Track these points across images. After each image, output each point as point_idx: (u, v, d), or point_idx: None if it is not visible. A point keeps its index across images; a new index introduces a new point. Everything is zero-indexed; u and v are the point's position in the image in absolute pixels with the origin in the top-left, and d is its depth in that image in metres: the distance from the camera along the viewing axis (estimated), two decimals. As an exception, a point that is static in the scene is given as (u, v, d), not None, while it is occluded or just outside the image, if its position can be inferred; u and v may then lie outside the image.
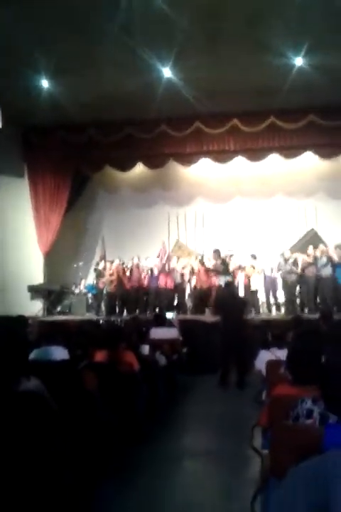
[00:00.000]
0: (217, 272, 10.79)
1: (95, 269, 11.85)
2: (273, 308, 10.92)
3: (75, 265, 12.42)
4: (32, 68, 8.62)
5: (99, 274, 11.64)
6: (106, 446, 3.91)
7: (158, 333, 6.93)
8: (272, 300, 10.96)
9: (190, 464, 4.33)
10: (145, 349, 5.66)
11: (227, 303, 7.86)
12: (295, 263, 10.55)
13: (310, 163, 11.95)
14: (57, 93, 9.40)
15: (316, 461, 1.23)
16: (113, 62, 8.51)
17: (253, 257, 10.93)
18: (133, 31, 7.43)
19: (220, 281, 10.60)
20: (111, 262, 11.72)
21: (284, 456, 2.22)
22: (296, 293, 10.64)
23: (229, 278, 10.50)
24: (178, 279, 11.28)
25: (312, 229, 12.01)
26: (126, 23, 7.14)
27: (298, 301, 10.70)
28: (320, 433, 2.22)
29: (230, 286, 8.51)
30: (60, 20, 7.35)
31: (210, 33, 7.78)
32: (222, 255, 11.19)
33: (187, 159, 12.20)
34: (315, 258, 10.39)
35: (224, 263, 10.89)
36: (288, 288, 10.54)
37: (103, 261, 11.93)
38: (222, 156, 11.85)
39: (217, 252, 11.14)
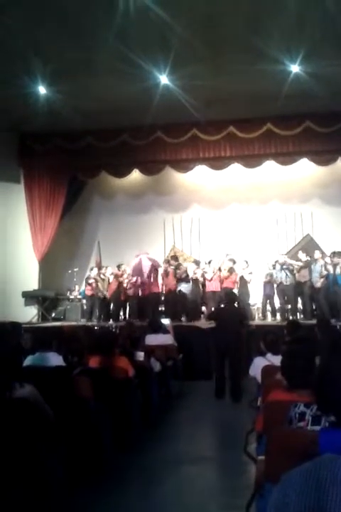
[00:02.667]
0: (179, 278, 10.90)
1: (87, 278, 11.77)
2: (269, 315, 10.90)
3: (70, 271, 12.39)
4: (29, 75, 8.62)
5: (88, 282, 11.58)
6: (100, 451, 3.89)
7: (152, 339, 6.91)
8: (268, 306, 10.94)
9: (184, 470, 4.30)
10: (140, 355, 5.63)
11: (224, 313, 7.71)
12: (290, 269, 10.54)
13: (305, 169, 12.00)
14: (54, 100, 9.41)
15: (310, 465, 1.22)
16: (110, 68, 8.51)
17: (246, 263, 10.94)
18: (130, 38, 7.45)
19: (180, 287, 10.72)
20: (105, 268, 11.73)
21: (280, 461, 2.21)
22: (292, 299, 10.61)
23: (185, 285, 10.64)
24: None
25: (308, 235, 12.04)
26: (123, 30, 7.16)
27: (294, 307, 10.64)
28: (315, 438, 2.22)
29: (230, 297, 8.39)
30: (57, 27, 7.36)
31: (207, 41, 7.80)
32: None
33: (183, 166, 12.22)
34: (309, 264, 10.39)
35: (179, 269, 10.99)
36: (284, 294, 10.53)
37: (93, 268, 11.87)
38: (218, 162, 11.88)
39: (174, 258, 11.36)
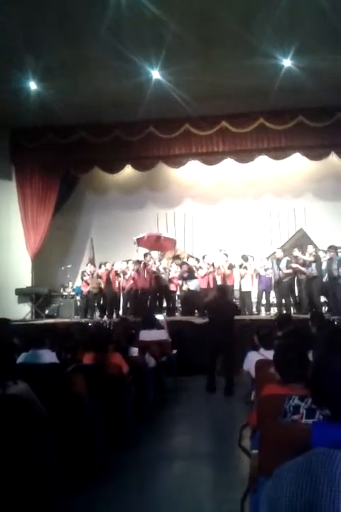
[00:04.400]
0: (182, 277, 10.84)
1: (82, 273, 11.73)
2: (263, 309, 10.92)
3: (63, 268, 12.33)
4: (20, 70, 8.57)
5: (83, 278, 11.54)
6: (95, 448, 3.89)
7: (147, 334, 6.91)
8: (264, 301, 10.97)
9: (179, 465, 4.31)
10: (135, 351, 5.63)
11: (218, 307, 7.73)
12: (288, 264, 10.50)
13: (298, 164, 12.02)
14: (46, 95, 9.36)
15: (302, 459, 1.22)
16: (102, 64, 8.48)
17: (245, 258, 10.92)
18: (123, 33, 7.42)
19: (187, 286, 10.68)
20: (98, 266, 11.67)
21: (273, 455, 2.22)
22: (287, 293, 10.62)
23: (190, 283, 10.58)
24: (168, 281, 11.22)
25: (301, 229, 12.08)
26: (115, 25, 7.12)
27: (288, 301, 10.65)
28: (308, 431, 2.22)
29: (222, 290, 8.45)
30: (48, 22, 7.30)
31: (200, 36, 7.79)
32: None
33: (175, 161, 12.19)
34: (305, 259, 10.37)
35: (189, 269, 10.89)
36: (282, 288, 10.51)
37: (89, 265, 11.80)
38: (210, 157, 11.87)
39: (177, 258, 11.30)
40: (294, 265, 10.22)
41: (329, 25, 7.41)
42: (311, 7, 6.95)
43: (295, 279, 10.44)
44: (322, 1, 6.71)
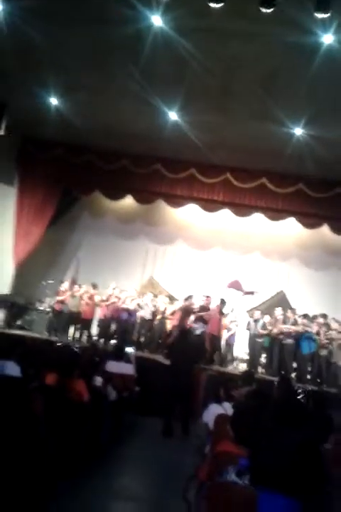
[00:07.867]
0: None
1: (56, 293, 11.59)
2: (235, 363, 10.89)
3: (44, 282, 12.20)
4: (43, 84, 8.80)
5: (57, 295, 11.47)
6: (42, 473, 3.77)
7: (114, 366, 6.73)
8: (237, 354, 10.94)
9: (121, 506, 4.19)
10: (99, 381, 5.51)
11: (180, 349, 7.71)
12: (264, 325, 10.56)
13: (290, 228, 12.23)
14: (64, 112, 9.60)
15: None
16: (123, 95, 8.77)
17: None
18: (148, 70, 7.69)
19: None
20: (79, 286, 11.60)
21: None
22: (260, 353, 10.63)
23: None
24: (148, 316, 11.16)
25: (282, 291, 12.11)
26: (144, 61, 7.38)
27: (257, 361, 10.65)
28: (254, 497, 2.21)
29: (186, 333, 8.49)
30: (78, 45, 7.56)
31: (222, 88, 8.12)
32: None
33: (175, 201, 12.35)
34: (283, 322, 10.46)
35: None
36: (253, 347, 10.52)
37: (64, 283, 11.68)
38: (209, 205, 12.05)
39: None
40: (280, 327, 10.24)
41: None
42: (327, 80, 7.24)
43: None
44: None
